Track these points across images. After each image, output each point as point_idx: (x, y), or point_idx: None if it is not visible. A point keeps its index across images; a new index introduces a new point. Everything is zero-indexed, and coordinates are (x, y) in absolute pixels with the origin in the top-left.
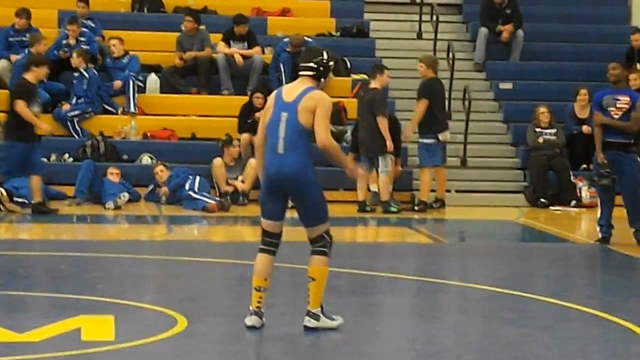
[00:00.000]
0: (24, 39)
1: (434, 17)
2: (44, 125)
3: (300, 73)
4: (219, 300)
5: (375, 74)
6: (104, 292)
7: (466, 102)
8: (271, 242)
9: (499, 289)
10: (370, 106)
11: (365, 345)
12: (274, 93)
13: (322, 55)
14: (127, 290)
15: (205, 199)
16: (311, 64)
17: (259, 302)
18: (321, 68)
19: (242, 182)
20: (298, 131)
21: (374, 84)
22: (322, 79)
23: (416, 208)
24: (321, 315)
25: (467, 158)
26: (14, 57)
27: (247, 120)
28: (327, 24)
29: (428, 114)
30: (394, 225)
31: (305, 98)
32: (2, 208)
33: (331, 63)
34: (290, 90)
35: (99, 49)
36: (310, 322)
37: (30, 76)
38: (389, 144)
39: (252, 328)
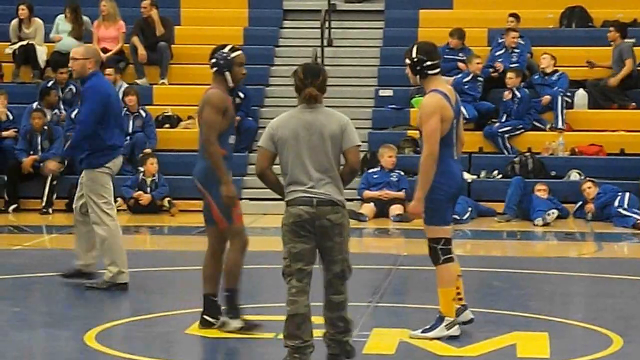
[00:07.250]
0: (457, 57)
1: None
2: None
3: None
4: None
5: None
6: (535, 308)
7: None
8: None
9: None
10: None
11: None
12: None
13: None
14: (558, 307)
15: (635, 215)
16: None
17: None
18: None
19: None
20: None
21: None
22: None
23: None
24: None
25: None
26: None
27: None
28: None
29: None
30: None
31: None
32: None
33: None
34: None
35: (527, 66)
36: None
37: None
38: None
39: None
